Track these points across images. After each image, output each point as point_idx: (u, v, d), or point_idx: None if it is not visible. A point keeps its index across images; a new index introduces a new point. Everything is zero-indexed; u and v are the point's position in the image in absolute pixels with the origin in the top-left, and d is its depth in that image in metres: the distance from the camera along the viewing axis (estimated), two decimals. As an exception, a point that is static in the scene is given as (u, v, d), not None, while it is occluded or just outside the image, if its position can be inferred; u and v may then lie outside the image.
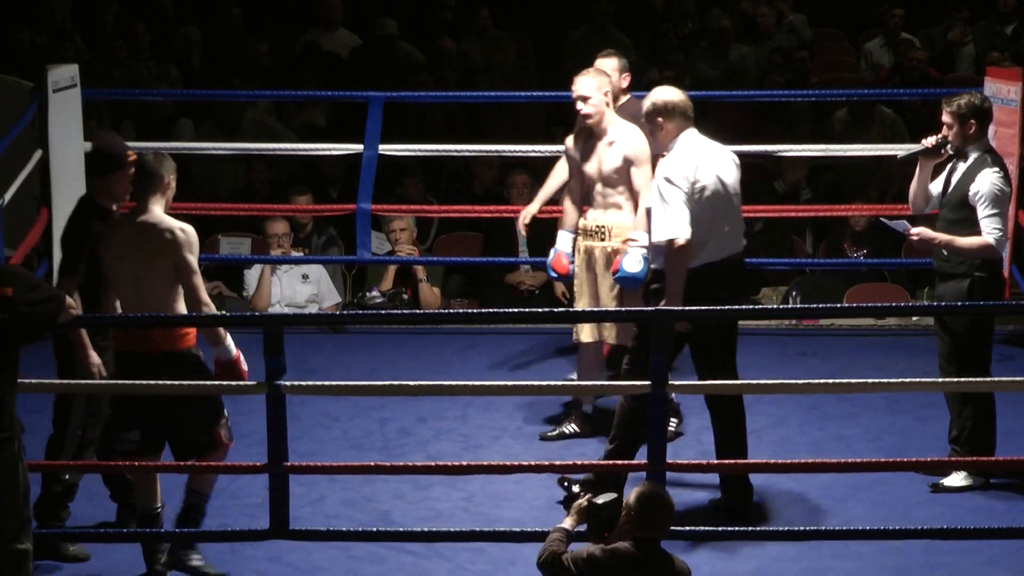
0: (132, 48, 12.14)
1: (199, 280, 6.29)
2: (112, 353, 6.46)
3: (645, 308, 6.81)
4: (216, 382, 6.39)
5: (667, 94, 6.93)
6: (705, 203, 6.75)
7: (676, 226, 6.67)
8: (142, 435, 6.38)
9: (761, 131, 11.38)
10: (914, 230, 7.04)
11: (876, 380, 6.95)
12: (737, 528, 6.71)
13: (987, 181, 7.03)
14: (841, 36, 13.34)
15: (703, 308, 6.47)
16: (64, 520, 6.70)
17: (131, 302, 6.34)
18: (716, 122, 11.87)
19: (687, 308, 6.55)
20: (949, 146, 7.15)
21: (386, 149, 9.40)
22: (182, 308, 6.29)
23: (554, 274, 7.78)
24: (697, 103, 11.70)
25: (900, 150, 7.78)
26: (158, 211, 6.33)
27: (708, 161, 6.83)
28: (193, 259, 6.25)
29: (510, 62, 12.30)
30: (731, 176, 6.91)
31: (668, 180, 6.74)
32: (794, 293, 9.89)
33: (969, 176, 7.08)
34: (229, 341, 6.37)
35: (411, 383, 6.99)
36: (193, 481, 6.52)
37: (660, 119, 6.87)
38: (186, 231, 6.27)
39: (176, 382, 6.24)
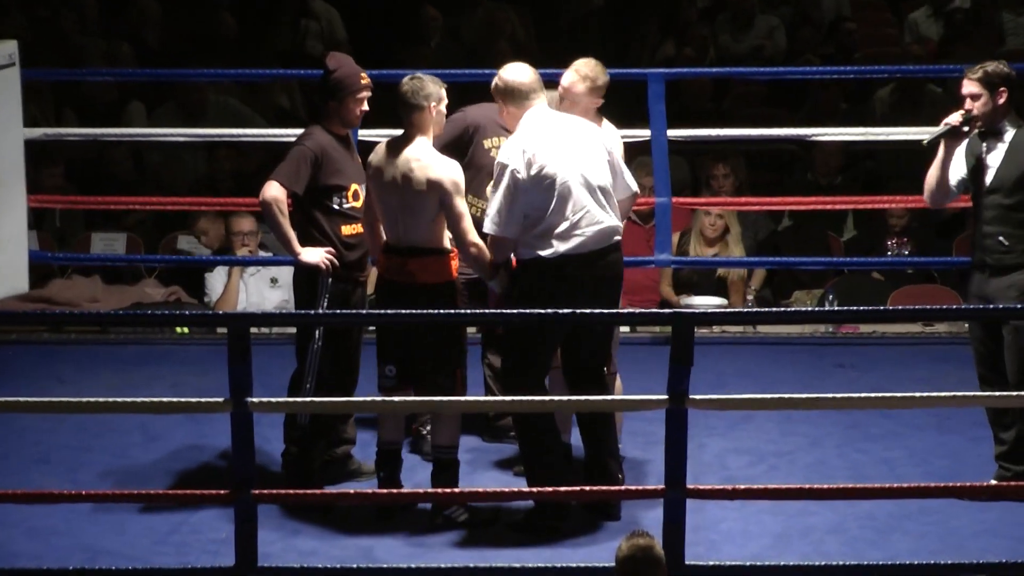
0: (80, 21, 12.13)
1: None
2: (375, 283, 7.36)
3: (662, 311, 6.79)
4: (181, 398, 6.36)
5: (505, 74, 7.13)
6: (546, 189, 6.88)
7: (494, 221, 6.92)
8: (398, 370, 7.20)
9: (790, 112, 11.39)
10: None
11: (924, 395, 6.92)
12: (768, 564, 6.67)
13: None
14: (882, 6, 13.33)
15: (733, 312, 6.44)
16: (334, 453, 7.59)
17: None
18: (740, 102, 11.97)
19: (711, 312, 6.52)
20: (979, 122, 7.10)
21: (367, 134, 9.21)
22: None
23: None
24: (721, 81, 11.90)
25: (925, 135, 7.61)
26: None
27: (552, 144, 6.93)
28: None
29: (518, 36, 12.35)
30: (591, 158, 6.98)
31: (502, 165, 6.94)
32: (831, 297, 9.88)
33: (1019, 152, 7.02)
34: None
35: (397, 399, 6.98)
36: (435, 438, 7.24)
37: (500, 101, 7.13)
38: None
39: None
